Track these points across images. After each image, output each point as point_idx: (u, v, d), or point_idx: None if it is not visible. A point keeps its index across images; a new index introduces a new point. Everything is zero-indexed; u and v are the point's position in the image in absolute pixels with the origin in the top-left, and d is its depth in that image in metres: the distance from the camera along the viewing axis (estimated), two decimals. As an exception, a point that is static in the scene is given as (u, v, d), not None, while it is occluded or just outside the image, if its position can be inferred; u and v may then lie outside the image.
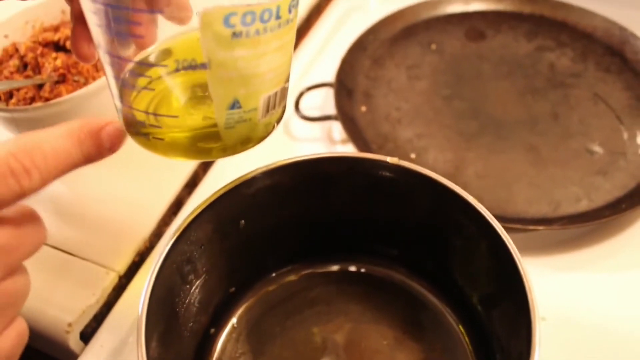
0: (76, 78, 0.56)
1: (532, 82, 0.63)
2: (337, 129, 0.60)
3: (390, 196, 0.41)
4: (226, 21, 0.26)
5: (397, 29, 0.68)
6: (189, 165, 0.57)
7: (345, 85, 0.61)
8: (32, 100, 0.55)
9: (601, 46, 0.66)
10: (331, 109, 0.59)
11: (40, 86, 0.55)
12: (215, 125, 0.29)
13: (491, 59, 0.66)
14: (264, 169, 0.39)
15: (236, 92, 0.28)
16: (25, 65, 0.57)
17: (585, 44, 0.67)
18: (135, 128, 0.31)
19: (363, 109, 0.61)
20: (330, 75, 0.62)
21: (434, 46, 0.67)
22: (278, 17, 0.27)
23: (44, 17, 0.60)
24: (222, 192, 0.38)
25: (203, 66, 0.27)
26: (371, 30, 0.67)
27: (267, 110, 0.30)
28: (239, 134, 0.30)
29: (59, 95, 0.54)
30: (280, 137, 0.60)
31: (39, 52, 0.57)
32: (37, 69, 0.57)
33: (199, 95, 0.30)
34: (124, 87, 0.30)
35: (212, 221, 0.39)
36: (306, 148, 0.59)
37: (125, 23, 0.28)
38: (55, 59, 0.56)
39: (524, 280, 0.35)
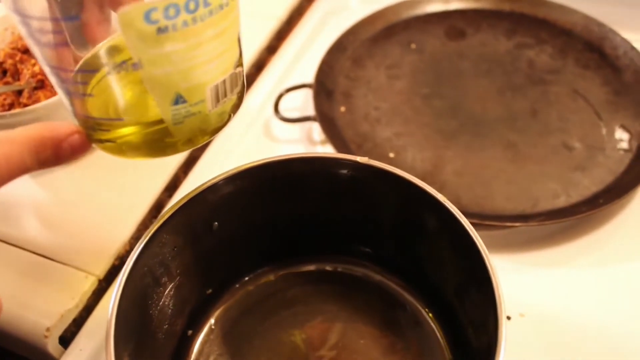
0: (55, 84, 0.56)
1: (512, 79, 0.63)
2: (316, 129, 0.60)
3: (361, 195, 0.41)
4: (147, 18, 0.25)
5: (377, 29, 0.68)
6: (169, 168, 0.57)
7: (325, 86, 0.61)
8: (11, 106, 0.55)
9: (580, 42, 0.66)
10: (311, 110, 0.59)
11: (19, 92, 0.55)
12: (163, 122, 0.29)
13: (471, 57, 0.66)
14: (232, 171, 0.39)
15: (177, 87, 0.28)
16: (4, 72, 0.58)
17: (564, 40, 0.67)
18: (90, 134, 0.31)
19: (342, 109, 0.61)
20: (310, 77, 0.62)
21: (413, 45, 0.67)
22: (207, 4, 0.26)
23: (23, 24, 0.60)
24: (191, 195, 0.39)
25: (135, 66, 0.27)
26: (351, 31, 0.67)
27: (218, 100, 0.30)
28: (190, 128, 0.30)
29: (37, 101, 0.54)
30: (260, 139, 0.60)
31: (17, 58, 0.57)
32: (17, 75, 0.57)
33: (142, 94, 0.30)
34: (72, 97, 0.30)
35: (183, 224, 0.39)
36: (286, 149, 0.59)
37: (48, 33, 0.28)
38: (34, 65, 0.56)
39: (491, 274, 0.35)
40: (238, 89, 0.32)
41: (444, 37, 0.68)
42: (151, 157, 0.32)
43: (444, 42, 0.68)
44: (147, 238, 0.36)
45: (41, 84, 0.55)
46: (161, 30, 0.26)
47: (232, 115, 0.33)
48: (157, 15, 0.25)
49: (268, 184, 0.41)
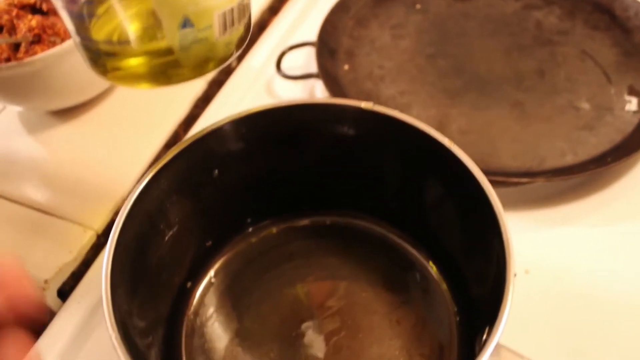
0: (52, 39, 0.55)
1: (518, 40, 0.62)
2: (319, 87, 0.59)
3: (365, 144, 0.40)
4: None
5: (381, -12, 0.67)
6: (168, 125, 0.56)
7: (328, 45, 0.60)
8: (8, 61, 0.54)
9: (590, 3, 0.65)
10: (313, 68, 0.58)
11: (16, 47, 0.54)
12: (170, 48, 0.28)
13: (477, 17, 0.65)
14: (235, 116, 0.38)
15: (185, 9, 0.27)
16: (0, 28, 0.57)
17: (573, 2, 0.65)
18: (94, 60, 0.30)
19: (346, 67, 0.60)
20: (313, 36, 0.60)
21: (418, 6, 0.66)
22: None
23: (19, -20, 0.59)
24: (192, 139, 0.38)
25: None
26: (355, -10, 0.65)
27: (225, 28, 0.29)
28: (196, 54, 0.29)
29: (34, 55, 0.53)
30: (262, 97, 0.59)
31: (14, 14, 0.56)
32: (13, 31, 0.56)
33: (151, 19, 0.29)
34: (79, 20, 0.29)
35: (183, 169, 0.38)
36: (288, 108, 0.58)
37: None
38: (31, 20, 0.55)
39: (502, 229, 0.34)
40: (245, 20, 0.31)
41: (449, -2, 0.67)
42: (157, 86, 0.31)
43: (449, 2, 0.66)
44: (147, 181, 0.36)
45: (38, 39, 0.54)
46: None
47: (238, 48, 0.32)
48: None
49: (270, 131, 0.40)
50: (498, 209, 0.34)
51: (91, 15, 0.29)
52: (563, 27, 0.63)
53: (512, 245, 0.34)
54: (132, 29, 0.29)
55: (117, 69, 0.30)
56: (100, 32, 0.29)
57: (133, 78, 0.31)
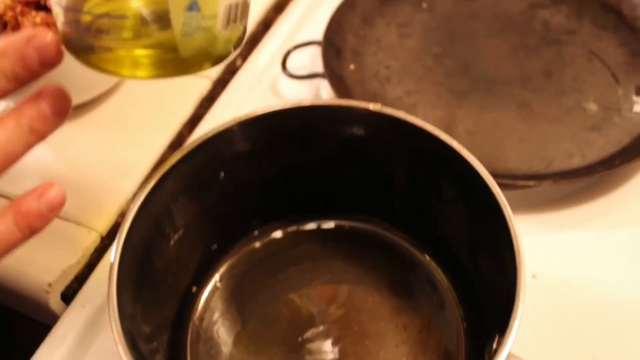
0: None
1: (526, 39, 0.62)
2: (325, 87, 0.58)
3: (373, 146, 0.40)
4: None
5: (387, -13, 0.66)
6: (173, 125, 0.55)
7: (334, 44, 0.60)
8: (11, 59, 0.53)
9: (597, 3, 0.64)
10: (319, 68, 0.57)
11: (19, 45, 0.54)
12: (170, 31, 0.27)
13: (484, 17, 0.64)
14: (242, 118, 0.38)
15: None
16: (4, 25, 0.56)
17: (581, 1, 0.65)
18: (80, 38, 0.28)
19: (352, 67, 0.59)
20: (319, 35, 0.60)
21: (425, 4, 0.65)
22: None
23: (23, -24, 0.59)
24: (199, 142, 0.37)
25: None
26: (361, -11, 0.65)
27: (228, 22, 0.29)
28: (196, 45, 0.28)
29: (38, 53, 0.52)
30: (268, 97, 0.59)
31: (18, 10, 0.55)
32: (17, 27, 0.55)
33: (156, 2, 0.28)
34: None
35: (189, 172, 0.38)
36: (293, 108, 0.58)
37: None
38: (35, 17, 0.55)
39: (513, 234, 0.33)
40: (245, 21, 0.31)
41: (456, -3, 0.66)
42: (142, 77, 0.30)
43: (456, 1, 0.66)
44: (153, 184, 0.35)
45: (42, 37, 0.54)
46: None
47: (235, 48, 0.31)
48: None
49: (277, 132, 0.39)
50: (508, 213, 0.34)
51: None
52: (570, 27, 0.63)
53: (523, 253, 0.33)
54: (133, 5, 0.28)
55: (106, 49, 0.28)
56: (88, 3, 0.28)
57: (122, 63, 0.29)
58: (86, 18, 0.28)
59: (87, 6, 0.28)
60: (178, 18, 0.27)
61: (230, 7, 0.28)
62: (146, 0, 0.28)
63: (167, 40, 0.28)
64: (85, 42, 0.28)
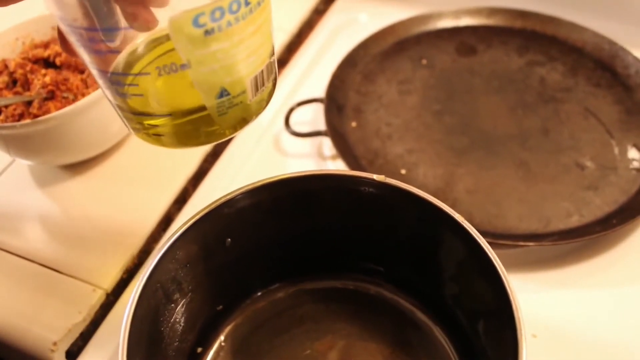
0: (65, 95, 0.55)
1: (523, 96, 0.63)
2: (327, 144, 0.60)
3: (376, 213, 0.41)
4: (195, 22, 0.27)
5: (387, 44, 0.68)
6: (178, 181, 0.56)
7: (336, 101, 0.61)
8: (21, 116, 0.54)
9: (591, 60, 0.66)
10: (321, 125, 0.58)
11: (29, 103, 0.55)
12: (208, 113, 0.30)
13: (482, 73, 0.66)
14: (249, 187, 0.39)
15: (221, 82, 0.29)
16: (14, 82, 0.57)
17: (575, 58, 0.67)
18: (135, 127, 0.32)
19: (353, 124, 0.61)
20: (321, 91, 0.61)
21: (424, 61, 0.67)
22: (247, 3, 0.28)
23: (34, 34, 0.60)
24: (206, 210, 0.38)
25: (184, 67, 0.28)
26: (362, 45, 0.67)
27: (257, 90, 0.31)
28: (233, 117, 0.31)
29: (47, 111, 0.54)
30: (271, 153, 0.60)
31: (28, 68, 0.57)
32: (27, 85, 0.57)
33: (188, 89, 0.31)
34: (116, 94, 0.31)
35: (196, 240, 0.38)
36: (296, 164, 0.59)
37: (99, 42, 0.29)
38: (45, 75, 0.56)
39: (511, 297, 0.34)
40: (273, 76, 0.33)
41: (455, 53, 0.68)
42: (193, 146, 0.33)
43: (455, 58, 0.67)
44: (161, 254, 0.36)
45: (51, 95, 0.55)
46: (208, 33, 0.27)
47: (268, 102, 0.34)
48: (204, 19, 0.27)
49: (283, 200, 0.40)
50: (504, 274, 0.35)
51: (124, 92, 0.30)
52: (566, 84, 0.64)
53: (521, 309, 0.34)
54: (170, 102, 0.31)
55: (158, 135, 0.32)
56: (136, 106, 0.31)
57: (174, 142, 0.32)
58: (137, 118, 0.32)
59: (135, 107, 0.31)
60: (212, 106, 0.30)
61: (256, 77, 0.31)
62: (182, 98, 0.31)
63: (208, 120, 0.31)
64: (141, 130, 0.32)
